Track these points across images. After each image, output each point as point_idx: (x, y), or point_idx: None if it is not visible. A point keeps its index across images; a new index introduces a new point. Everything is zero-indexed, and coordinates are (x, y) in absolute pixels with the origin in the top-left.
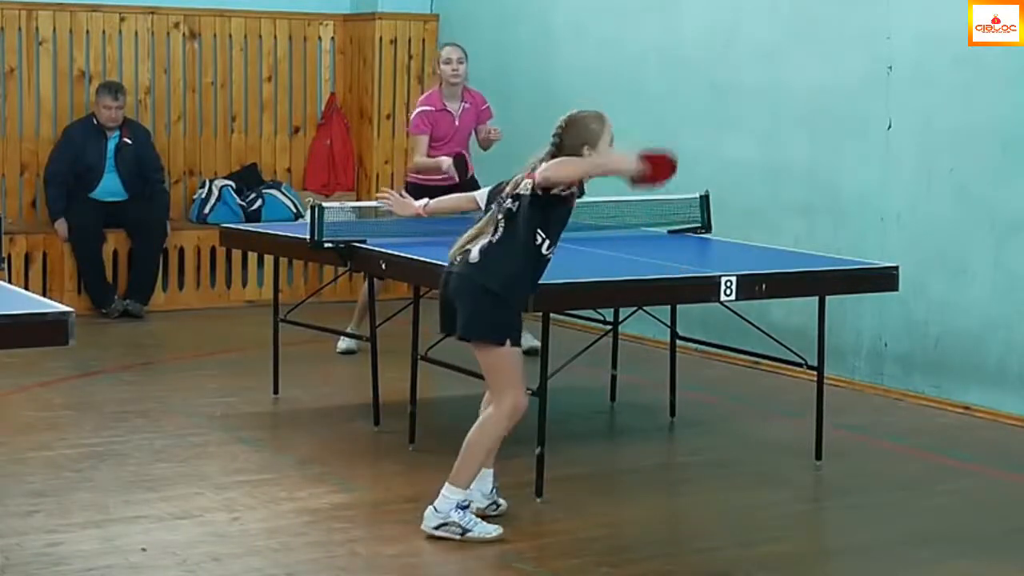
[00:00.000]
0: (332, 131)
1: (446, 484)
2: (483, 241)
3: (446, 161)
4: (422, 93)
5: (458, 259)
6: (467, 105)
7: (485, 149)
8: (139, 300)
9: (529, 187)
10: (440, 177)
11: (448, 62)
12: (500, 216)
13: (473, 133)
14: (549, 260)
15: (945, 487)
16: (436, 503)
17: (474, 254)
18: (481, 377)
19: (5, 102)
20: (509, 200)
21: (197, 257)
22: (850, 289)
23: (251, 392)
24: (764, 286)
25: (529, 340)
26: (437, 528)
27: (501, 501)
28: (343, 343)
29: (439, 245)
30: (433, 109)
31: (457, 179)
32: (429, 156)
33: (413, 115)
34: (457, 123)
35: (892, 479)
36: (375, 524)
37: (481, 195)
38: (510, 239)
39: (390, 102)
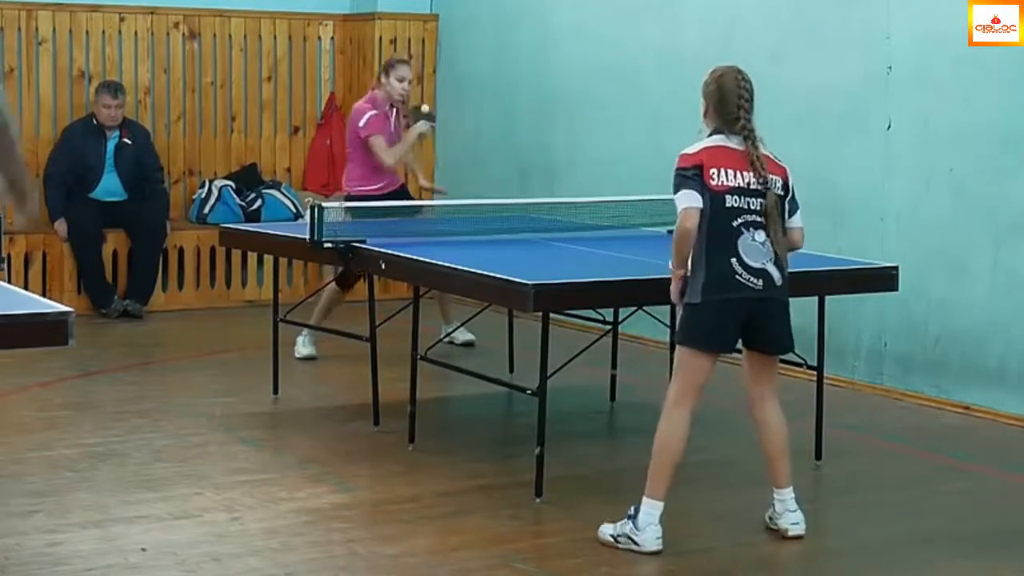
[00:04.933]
0: (332, 131)
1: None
2: (771, 255)
3: (416, 129)
4: (382, 94)
5: (758, 283)
6: (397, 116)
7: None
8: (139, 300)
9: (780, 186)
10: (378, 187)
11: (402, 80)
12: (754, 219)
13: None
14: None
15: (945, 487)
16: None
17: (777, 277)
18: (482, 377)
19: (5, 102)
20: (756, 200)
21: (197, 257)
22: (850, 289)
23: (251, 392)
24: None
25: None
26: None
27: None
28: (305, 349)
29: (439, 245)
30: (379, 112)
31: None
32: (364, 163)
33: (367, 117)
34: (391, 129)
35: (892, 479)
36: (375, 524)
37: (687, 208)
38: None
39: None
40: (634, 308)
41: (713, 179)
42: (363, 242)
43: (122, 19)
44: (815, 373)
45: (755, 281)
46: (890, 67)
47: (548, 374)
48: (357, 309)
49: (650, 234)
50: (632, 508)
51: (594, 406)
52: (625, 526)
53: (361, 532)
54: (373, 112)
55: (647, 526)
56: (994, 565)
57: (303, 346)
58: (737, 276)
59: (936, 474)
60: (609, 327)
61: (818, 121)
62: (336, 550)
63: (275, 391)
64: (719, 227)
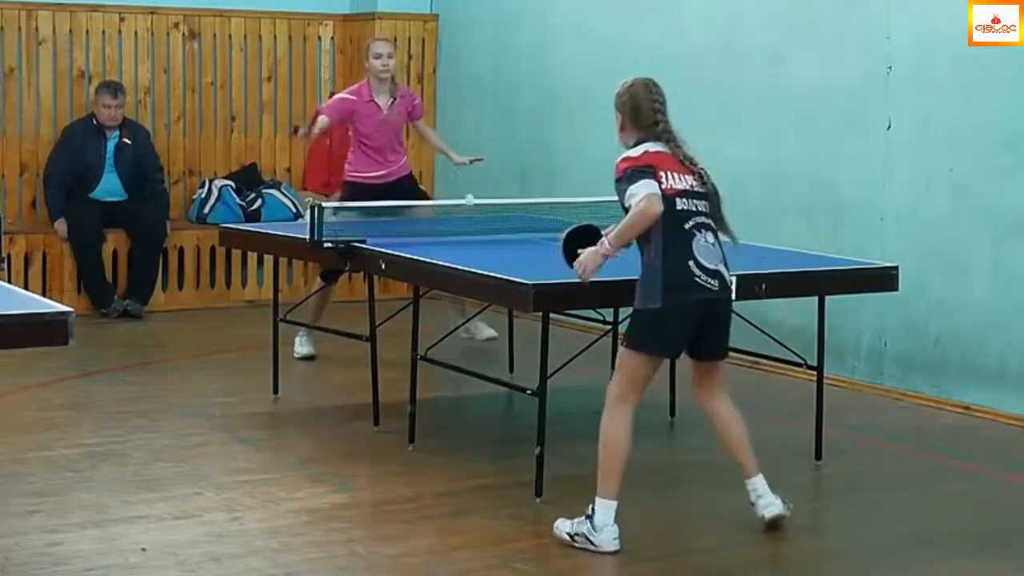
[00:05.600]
0: (332, 131)
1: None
2: (721, 256)
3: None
4: (416, 93)
5: (715, 284)
6: (395, 100)
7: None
8: (139, 300)
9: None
10: (378, 175)
11: (379, 56)
12: (703, 220)
13: (416, 129)
14: None
15: (945, 487)
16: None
17: (728, 277)
18: (482, 377)
19: (5, 102)
20: (701, 202)
21: (197, 257)
22: (850, 289)
23: (251, 392)
24: (764, 286)
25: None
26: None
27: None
28: (304, 348)
29: (439, 245)
30: (356, 99)
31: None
32: (360, 149)
33: (332, 98)
34: (383, 115)
35: (892, 479)
36: (375, 524)
37: (652, 194)
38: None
39: None
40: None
41: (663, 182)
42: (363, 242)
43: (122, 19)
44: (815, 373)
45: (712, 282)
46: (890, 67)
47: (548, 374)
48: (357, 309)
49: None
50: (589, 507)
51: (594, 406)
52: (582, 525)
53: (361, 532)
54: (342, 95)
55: (604, 527)
56: (994, 565)
57: (301, 345)
58: (696, 278)
59: (936, 474)
60: (609, 327)
61: (818, 121)
62: (336, 550)
63: (275, 391)
64: (674, 230)
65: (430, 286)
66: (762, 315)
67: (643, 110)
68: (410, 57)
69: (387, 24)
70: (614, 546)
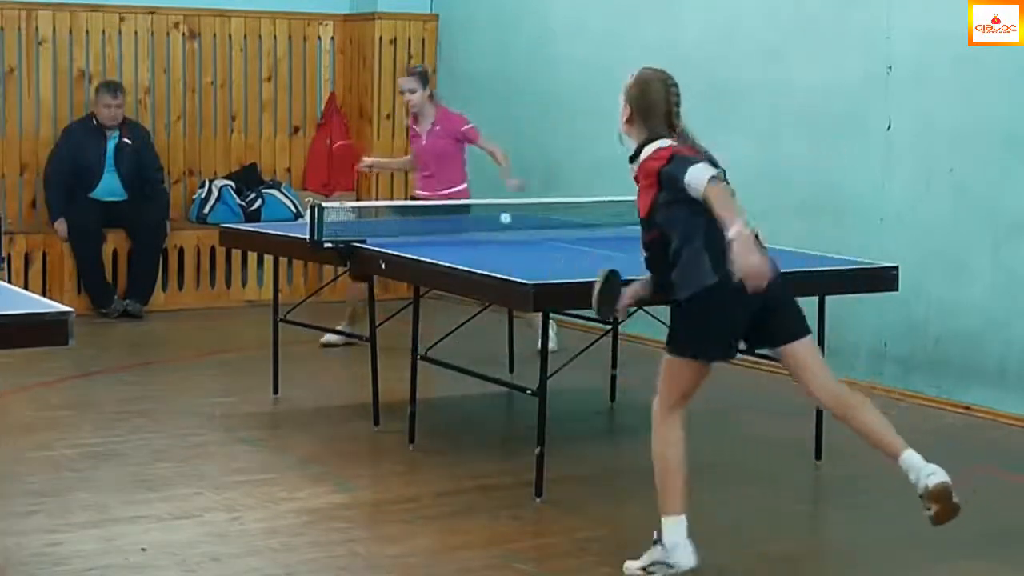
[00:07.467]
0: (332, 131)
1: None
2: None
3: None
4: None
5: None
6: (437, 128)
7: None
8: (139, 300)
9: None
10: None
11: (402, 93)
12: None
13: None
14: None
15: None
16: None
17: (771, 256)
18: (482, 377)
19: (5, 102)
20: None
21: (197, 257)
22: (850, 289)
23: (251, 392)
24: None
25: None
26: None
27: None
28: (330, 336)
29: (439, 245)
30: (410, 126)
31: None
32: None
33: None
34: (424, 143)
35: (892, 479)
36: (375, 524)
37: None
38: None
39: (389, 102)
40: (634, 308)
41: None
42: (363, 242)
43: (122, 19)
44: None
45: None
46: (890, 67)
47: (548, 374)
48: (357, 309)
49: None
50: (655, 533)
51: (594, 406)
52: (653, 553)
53: (361, 532)
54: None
55: (676, 545)
56: (994, 565)
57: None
58: None
59: None
60: (609, 327)
61: (818, 121)
62: (336, 550)
63: (275, 391)
64: (712, 214)
65: (430, 286)
66: None
67: (658, 107)
68: (410, 57)
69: (387, 24)
70: (692, 561)
